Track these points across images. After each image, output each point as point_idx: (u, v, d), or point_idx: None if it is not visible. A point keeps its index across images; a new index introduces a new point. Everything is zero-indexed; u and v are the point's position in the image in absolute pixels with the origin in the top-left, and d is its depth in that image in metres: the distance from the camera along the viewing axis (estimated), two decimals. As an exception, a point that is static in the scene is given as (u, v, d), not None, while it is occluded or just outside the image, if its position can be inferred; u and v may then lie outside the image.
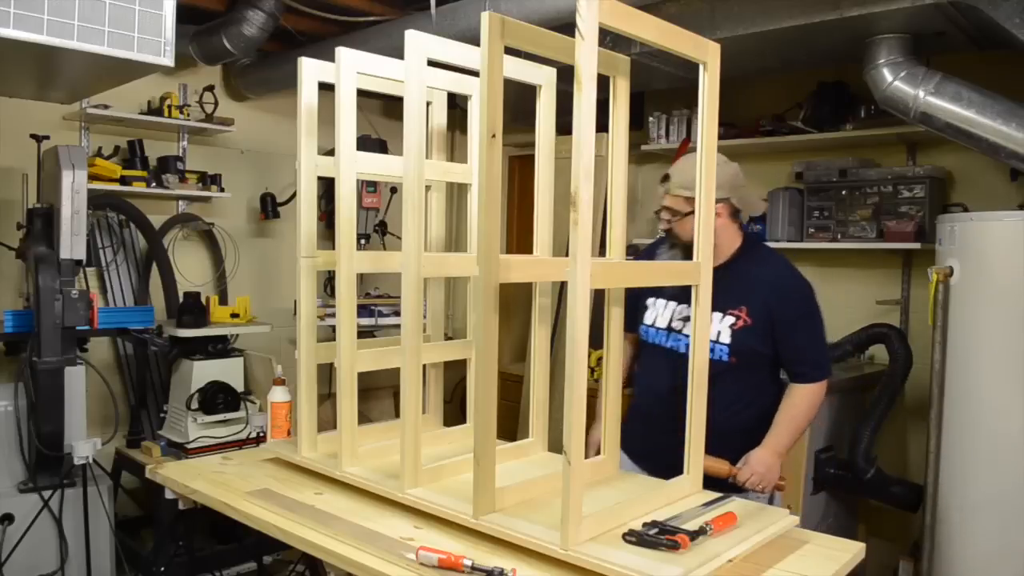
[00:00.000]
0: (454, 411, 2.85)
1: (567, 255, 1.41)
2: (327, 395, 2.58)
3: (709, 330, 1.82)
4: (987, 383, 2.77)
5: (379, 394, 4.17)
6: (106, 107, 3.62)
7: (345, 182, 1.88)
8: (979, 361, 2.78)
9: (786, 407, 2.15)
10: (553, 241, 1.92)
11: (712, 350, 2.02)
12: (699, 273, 1.74)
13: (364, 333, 3.66)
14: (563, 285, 1.52)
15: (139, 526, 3.73)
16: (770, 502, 2.15)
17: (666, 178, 2.18)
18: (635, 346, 2.39)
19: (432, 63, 1.75)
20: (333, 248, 1.94)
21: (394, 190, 4.19)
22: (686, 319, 2.16)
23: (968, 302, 2.80)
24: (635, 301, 2.25)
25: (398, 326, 1.80)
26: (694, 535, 1.47)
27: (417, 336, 1.73)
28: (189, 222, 4.09)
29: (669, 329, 2.22)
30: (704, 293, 1.75)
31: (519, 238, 4.95)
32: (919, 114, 2.75)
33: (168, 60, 2.05)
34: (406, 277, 1.71)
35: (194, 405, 3.41)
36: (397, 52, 1.74)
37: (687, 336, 2.00)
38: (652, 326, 2.26)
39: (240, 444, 3.29)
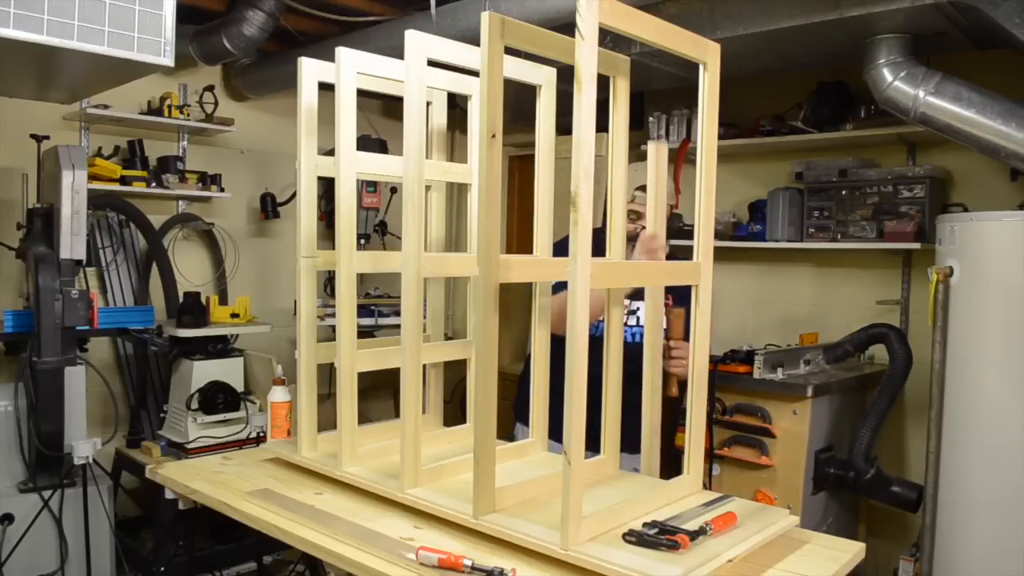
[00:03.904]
0: (454, 411, 2.85)
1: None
2: (327, 395, 2.57)
3: (708, 330, 1.82)
4: (987, 383, 2.77)
5: (379, 394, 4.17)
6: (106, 107, 3.62)
7: (345, 182, 1.88)
8: (979, 361, 2.78)
9: None
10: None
11: (634, 335, 2.26)
12: (699, 273, 1.74)
13: (364, 333, 3.66)
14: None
15: (139, 526, 3.73)
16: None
17: (642, 188, 2.23)
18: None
19: (432, 63, 1.74)
20: (333, 248, 1.94)
21: (394, 190, 4.19)
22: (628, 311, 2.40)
23: (968, 302, 2.80)
24: None
25: (398, 326, 1.80)
26: (694, 535, 1.47)
27: (417, 336, 1.73)
28: (189, 222, 4.09)
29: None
30: (704, 293, 1.75)
31: (519, 238, 4.95)
32: (919, 114, 2.75)
33: (168, 60, 2.04)
34: (406, 277, 1.71)
35: (194, 405, 3.41)
36: (397, 52, 1.74)
37: (627, 326, 2.28)
38: None
39: (240, 444, 3.29)
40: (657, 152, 1.86)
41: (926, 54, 2.86)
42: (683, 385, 2.03)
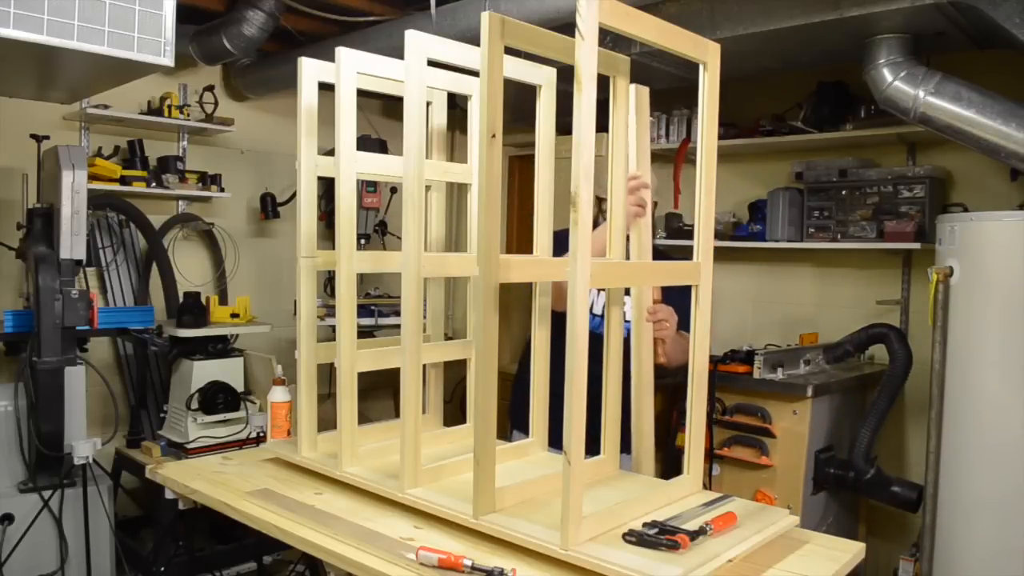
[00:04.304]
0: (454, 411, 2.85)
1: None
2: (327, 395, 2.57)
3: (708, 330, 1.82)
4: (987, 383, 2.77)
5: (379, 394, 4.17)
6: (106, 107, 3.62)
7: (345, 182, 1.88)
8: (979, 361, 2.78)
9: None
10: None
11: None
12: (699, 273, 1.74)
13: (364, 333, 3.66)
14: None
15: (139, 526, 3.73)
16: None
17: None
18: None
19: (432, 63, 1.75)
20: (333, 248, 1.94)
21: (394, 190, 4.19)
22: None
23: (968, 302, 2.80)
24: None
25: (398, 326, 1.80)
26: (694, 535, 1.47)
27: (417, 336, 1.73)
28: (189, 222, 4.09)
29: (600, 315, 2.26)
30: (704, 293, 1.75)
31: (519, 238, 4.95)
32: (919, 114, 2.75)
33: (168, 60, 2.04)
34: (406, 277, 1.71)
35: (194, 405, 3.41)
36: (397, 52, 1.74)
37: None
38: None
39: (240, 444, 3.29)
40: (638, 94, 1.87)
41: (926, 54, 2.86)
42: (682, 369, 1.99)
